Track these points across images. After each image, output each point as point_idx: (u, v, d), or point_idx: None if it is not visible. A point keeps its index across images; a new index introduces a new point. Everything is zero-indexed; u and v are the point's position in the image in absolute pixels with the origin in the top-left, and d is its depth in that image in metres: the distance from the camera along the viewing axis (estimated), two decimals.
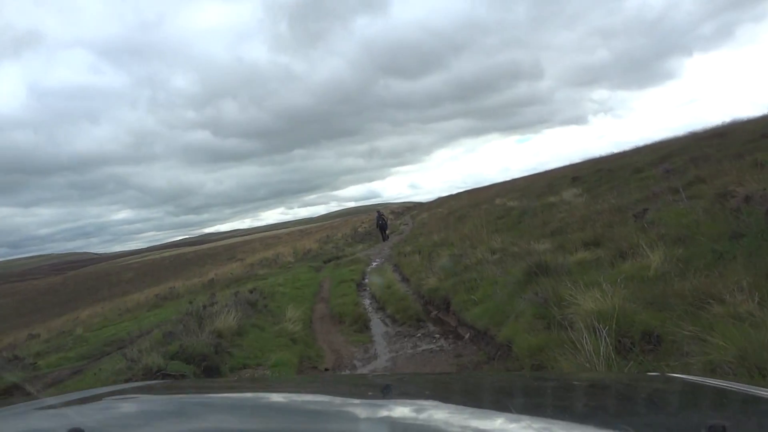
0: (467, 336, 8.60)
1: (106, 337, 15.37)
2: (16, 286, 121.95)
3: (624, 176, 18.48)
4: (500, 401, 1.92)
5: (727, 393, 1.72)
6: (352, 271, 18.14)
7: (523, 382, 2.40)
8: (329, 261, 24.63)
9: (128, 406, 1.93)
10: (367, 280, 17.11)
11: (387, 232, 34.26)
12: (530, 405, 1.81)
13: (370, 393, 2.17)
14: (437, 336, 9.34)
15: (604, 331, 4.79)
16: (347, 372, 8.13)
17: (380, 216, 35.68)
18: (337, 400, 2.00)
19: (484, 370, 6.86)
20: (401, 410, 1.65)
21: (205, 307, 10.74)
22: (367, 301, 13.64)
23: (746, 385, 1.75)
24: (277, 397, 2.14)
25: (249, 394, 2.28)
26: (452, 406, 1.75)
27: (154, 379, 6.45)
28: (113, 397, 2.09)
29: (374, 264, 21.95)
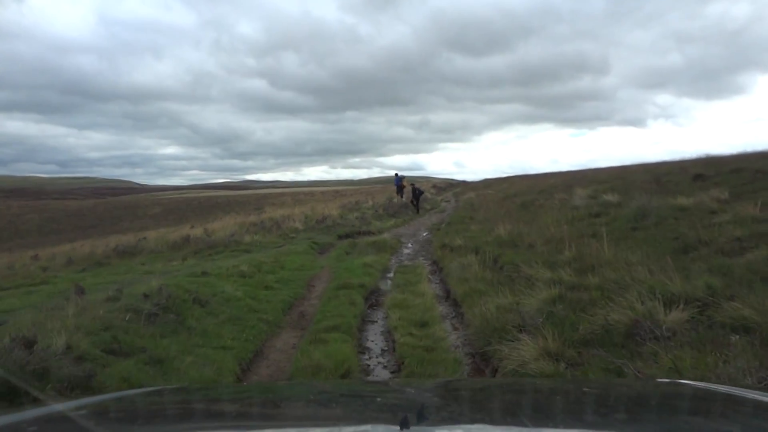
0: None
1: None
2: (49, 203, 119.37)
3: None
4: (505, 410, 1.87)
5: (737, 400, 1.72)
6: (366, 267, 11.47)
7: (531, 389, 2.33)
8: (344, 237, 18.19)
9: (137, 411, 1.95)
10: (385, 289, 10.40)
11: (418, 203, 31.40)
12: (543, 414, 1.79)
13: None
14: None
15: None
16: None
17: (415, 188, 32.15)
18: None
19: None
20: None
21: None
22: (374, 355, 6.82)
23: (757, 393, 1.75)
24: (287, 403, 2.09)
25: (257, 403, 2.17)
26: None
27: None
28: (122, 403, 2.08)
29: (404, 253, 15.39)
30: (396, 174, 36.96)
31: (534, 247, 10.95)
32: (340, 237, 18.03)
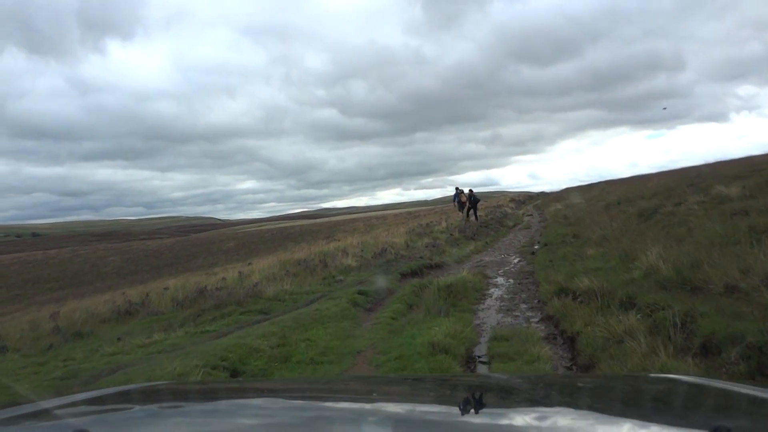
0: None
1: None
2: (132, 245, 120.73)
3: None
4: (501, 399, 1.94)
5: (732, 395, 1.72)
6: (436, 351, 6.07)
7: (529, 384, 2.25)
8: (409, 276, 13.31)
9: (134, 407, 1.91)
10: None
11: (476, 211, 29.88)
12: (534, 405, 1.83)
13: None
14: None
15: None
16: None
17: (471, 194, 30.01)
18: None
19: None
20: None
21: None
22: None
23: (752, 387, 1.72)
24: (288, 402, 2.04)
25: (255, 399, 2.15)
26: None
27: None
28: (118, 399, 2.07)
29: (494, 300, 10.28)
30: (456, 189, 31.98)
31: (740, 289, 5.82)
32: (403, 276, 13.16)
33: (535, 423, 1.47)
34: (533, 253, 17.15)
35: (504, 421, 1.57)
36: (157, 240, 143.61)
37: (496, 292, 10.99)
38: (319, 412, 1.76)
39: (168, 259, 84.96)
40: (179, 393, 2.31)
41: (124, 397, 2.08)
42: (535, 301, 9.60)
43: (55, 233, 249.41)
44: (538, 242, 20.62)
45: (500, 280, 12.64)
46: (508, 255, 17.94)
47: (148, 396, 2.12)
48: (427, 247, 17.06)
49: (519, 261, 16.06)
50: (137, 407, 1.90)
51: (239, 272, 16.69)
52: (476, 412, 1.63)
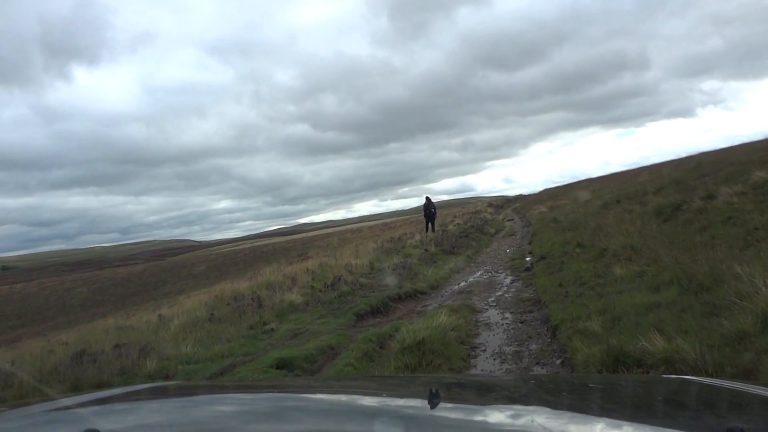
0: None
1: None
2: (100, 274, 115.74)
3: None
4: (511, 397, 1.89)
5: (745, 396, 1.68)
6: None
7: (537, 384, 2.29)
8: (368, 316, 9.59)
9: (143, 406, 1.89)
10: None
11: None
12: (541, 406, 1.76)
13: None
14: None
15: None
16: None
17: (428, 203, 27.09)
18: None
19: None
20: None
21: None
22: None
23: (764, 388, 1.68)
24: (293, 399, 1.98)
25: (265, 395, 2.12)
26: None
27: None
28: (128, 398, 2.03)
29: (491, 363, 6.59)
30: (426, 198, 28.14)
31: None
32: (359, 317, 9.41)
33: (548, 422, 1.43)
34: (528, 269, 13.62)
35: (478, 417, 1.58)
36: (127, 267, 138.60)
37: (491, 341, 7.35)
38: (328, 410, 1.75)
39: (136, 286, 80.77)
40: (189, 392, 2.29)
41: (134, 396, 2.04)
42: (557, 359, 6.01)
43: (26, 265, 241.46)
44: (530, 253, 17.11)
45: (494, 314, 9.04)
46: (497, 272, 14.39)
47: (158, 395, 2.10)
48: (395, 270, 13.43)
49: (512, 281, 12.50)
50: (146, 406, 1.88)
51: (159, 315, 12.94)
52: (451, 408, 1.66)
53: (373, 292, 11.10)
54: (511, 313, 9.06)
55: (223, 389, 2.47)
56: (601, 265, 9.37)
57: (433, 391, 1.99)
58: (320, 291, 11.38)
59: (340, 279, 11.75)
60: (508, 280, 12.75)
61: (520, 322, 8.22)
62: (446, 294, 11.57)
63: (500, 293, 11.01)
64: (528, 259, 16.02)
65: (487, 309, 9.59)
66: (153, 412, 1.79)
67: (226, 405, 1.88)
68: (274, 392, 2.20)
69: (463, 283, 12.95)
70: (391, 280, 12.26)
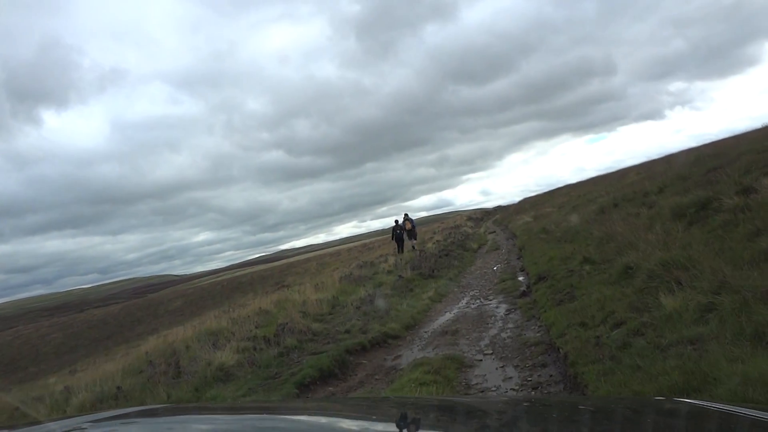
0: None
1: None
2: (76, 317, 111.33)
3: None
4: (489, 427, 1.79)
5: (735, 418, 1.65)
6: None
7: (527, 407, 2.20)
8: (316, 384, 6.80)
9: (132, 429, 1.87)
10: None
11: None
12: (530, 430, 1.71)
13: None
14: None
15: None
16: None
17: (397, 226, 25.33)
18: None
19: None
20: None
21: None
22: None
23: (753, 410, 1.66)
24: (283, 421, 1.97)
25: (252, 416, 2.12)
26: None
27: None
28: (117, 421, 1.98)
29: None
30: (404, 215, 26.12)
31: None
32: (303, 388, 6.60)
33: None
34: (525, 293, 10.95)
35: None
36: (107, 308, 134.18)
37: None
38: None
39: (112, 328, 77.08)
40: (178, 414, 2.26)
41: (123, 419, 2.01)
42: None
43: (6, 313, 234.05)
44: (523, 271, 14.46)
45: (491, 371, 6.32)
46: (486, 298, 11.71)
47: (147, 418, 2.09)
48: (360, 307, 10.62)
49: (507, 311, 9.80)
50: (136, 429, 1.86)
51: (65, 387, 10.02)
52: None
53: (329, 343, 8.30)
54: (515, 367, 6.35)
55: (213, 411, 2.40)
56: (631, 290, 6.71)
57: (416, 416, 1.93)
58: (262, 345, 8.55)
59: (285, 327, 8.93)
60: (501, 309, 10.06)
61: (533, 388, 5.51)
62: (425, 336, 8.82)
63: (495, 331, 8.30)
64: (522, 279, 13.38)
65: (480, 361, 6.86)
66: None
67: (215, 427, 1.86)
68: (262, 414, 2.18)
69: (446, 318, 10.23)
70: (353, 322, 9.48)
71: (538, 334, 7.40)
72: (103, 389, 8.80)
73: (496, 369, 6.43)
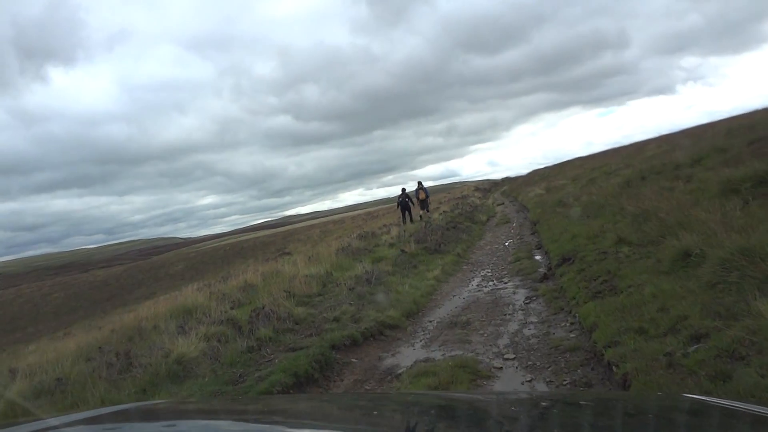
0: None
1: None
2: (79, 277, 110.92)
3: None
4: (492, 426, 1.67)
5: (736, 414, 1.59)
6: None
7: (529, 402, 2.08)
8: (297, 388, 5.46)
9: (131, 426, 1.81)
10: None
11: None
12: (533, 426, 1.64)
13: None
14: None
15: None
16: None
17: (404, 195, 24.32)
18: None
19: None
20: None
21: None
22: None
23: (755, 406, 1.58)
24: (254, 424, 1.82)
25: (225, 420, 1.96)
26: None
27: None
28: (116, 418, 1.89)
29: None
30: (418, 183, 26.40)
31: None
32: (283, 392, 5.29)
33: None
34: (546, 278, 9.38)
35: None
36: (110, 269, 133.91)
37: None
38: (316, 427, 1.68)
39: (113, 290, 76.47)
40: (178, 411, 2.20)
41: (123, 416, 1.95)
42: None
43: (11, 271, 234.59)
44: (540, 249, 12.90)
45: (515, 385, 4.85)
46: (500, 279, 10.17)
47: (147, 415, 2.01)
48: (354, 288, 9.07)
49: (527, 298, 8.26)
50: (136, 426, 1.81)
51: (10, 370, 8.62)
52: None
53: (312, 335, 6.80)
54: (548, 383, 4.83)
55: (213, 409, 2.31)
56: (697, 284, 5.15)
57: (420, 417, 1.79)
58: (232, 333, 7.07)
59: (260, 312, 7.41)
60: (520, 296, 8.52)
61: None
62: (429, 329, 7.31)
63: (515, 326, 6.78)
64: (539, 258, 11.83)
65: (500, 369, 5.36)
66: (142, 431, 1.73)
67: (215, 426, 1.77)
68: (263, 410, 2.12)
69: (454, 303, 8.71)
70: (346, 307, 7.96)
71: (572, 336, 5.87)
72: (43, 379, 7.38)
73: (522, 384, 4.92)
